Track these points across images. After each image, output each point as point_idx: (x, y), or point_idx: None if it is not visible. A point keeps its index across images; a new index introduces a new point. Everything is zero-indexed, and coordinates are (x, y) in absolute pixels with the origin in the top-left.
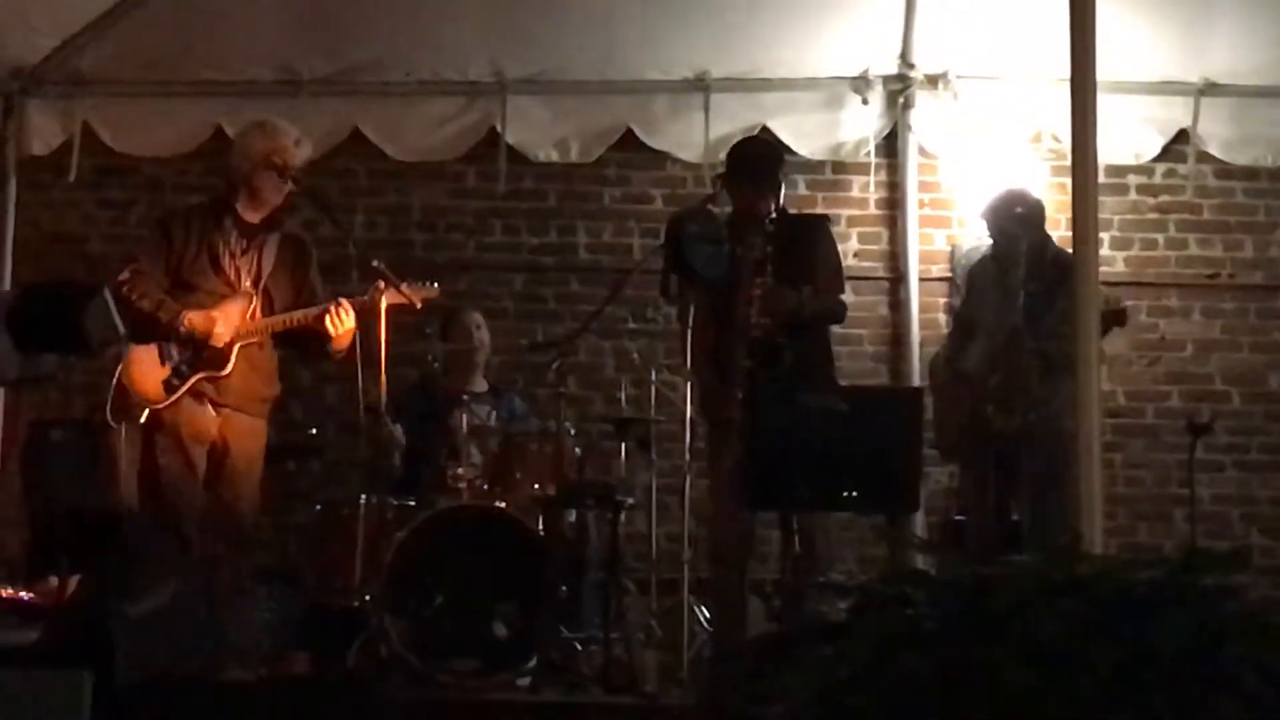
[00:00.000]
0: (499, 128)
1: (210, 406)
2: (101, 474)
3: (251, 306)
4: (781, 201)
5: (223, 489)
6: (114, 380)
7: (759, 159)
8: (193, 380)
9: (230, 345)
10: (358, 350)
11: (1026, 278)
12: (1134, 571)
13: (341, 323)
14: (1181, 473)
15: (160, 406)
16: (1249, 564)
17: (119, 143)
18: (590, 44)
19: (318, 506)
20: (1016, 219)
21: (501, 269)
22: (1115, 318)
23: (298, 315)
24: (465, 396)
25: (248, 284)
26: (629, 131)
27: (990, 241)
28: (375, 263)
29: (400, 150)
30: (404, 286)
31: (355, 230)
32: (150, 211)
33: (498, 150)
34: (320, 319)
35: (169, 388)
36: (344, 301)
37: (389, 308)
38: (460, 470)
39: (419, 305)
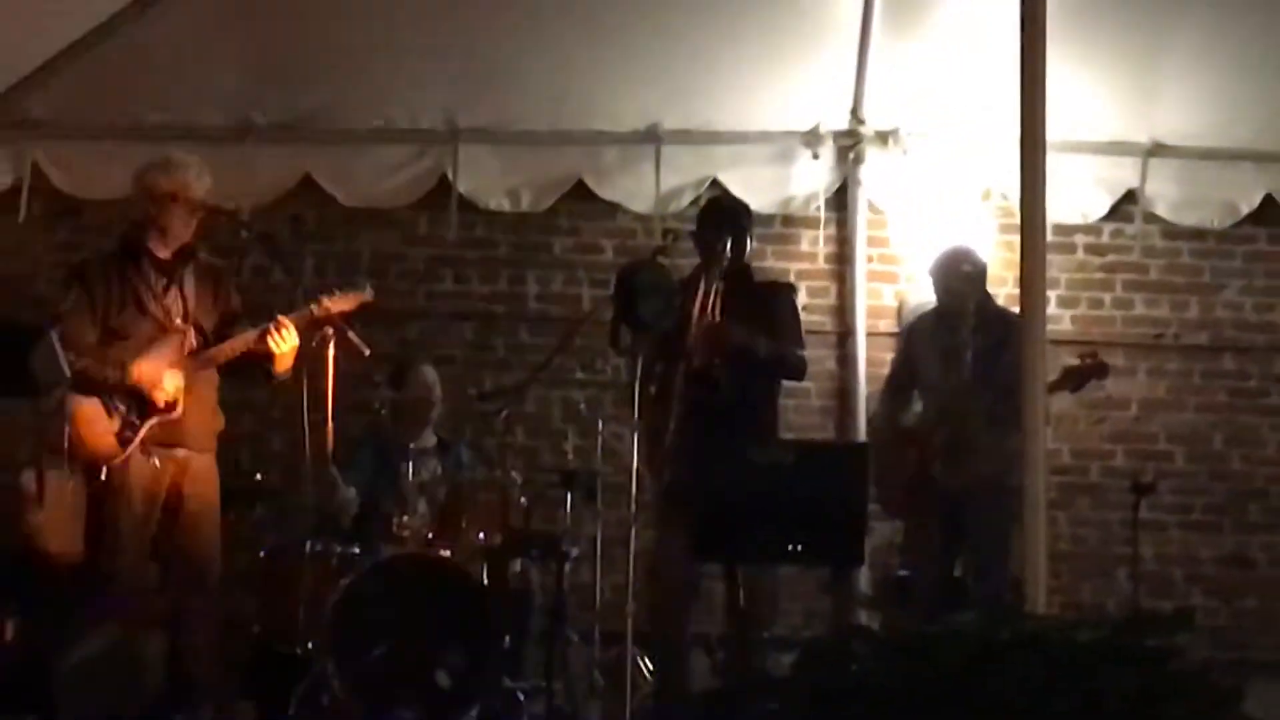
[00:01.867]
0: (450, 176)
1: (157, 457)
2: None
3: (186, 342)
4: (747, 257)
5: (181, 536)
6: (65, 437)
7: (727, 211)
8: (145, 428)
9: (174, 390)
10: (304, 396)
11: (974, 333)
12: (1077, 631)
13: (284, 340)
14: (1125, 532)
15: (117, 461)
16: (1192, 625)
17: (68, 185)
18: (543, 94)
19: (262, 553)
20: (964, 277)
21: (451, 317)
22: (1096, 371)
23: (238, 342)
24: (413, 447)
25: (177, 321)
26: (580, 182)
27: (934, 298)
28: (323, 302)
29: (351, 196)
30: (339, 296)
31: (305, 276)
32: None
33: (449, 198)
34: (261, 340)
35: (123, 440)
36: (283, 319)
37: (337, 354)
38: (406, 519)
39: (368, 352)
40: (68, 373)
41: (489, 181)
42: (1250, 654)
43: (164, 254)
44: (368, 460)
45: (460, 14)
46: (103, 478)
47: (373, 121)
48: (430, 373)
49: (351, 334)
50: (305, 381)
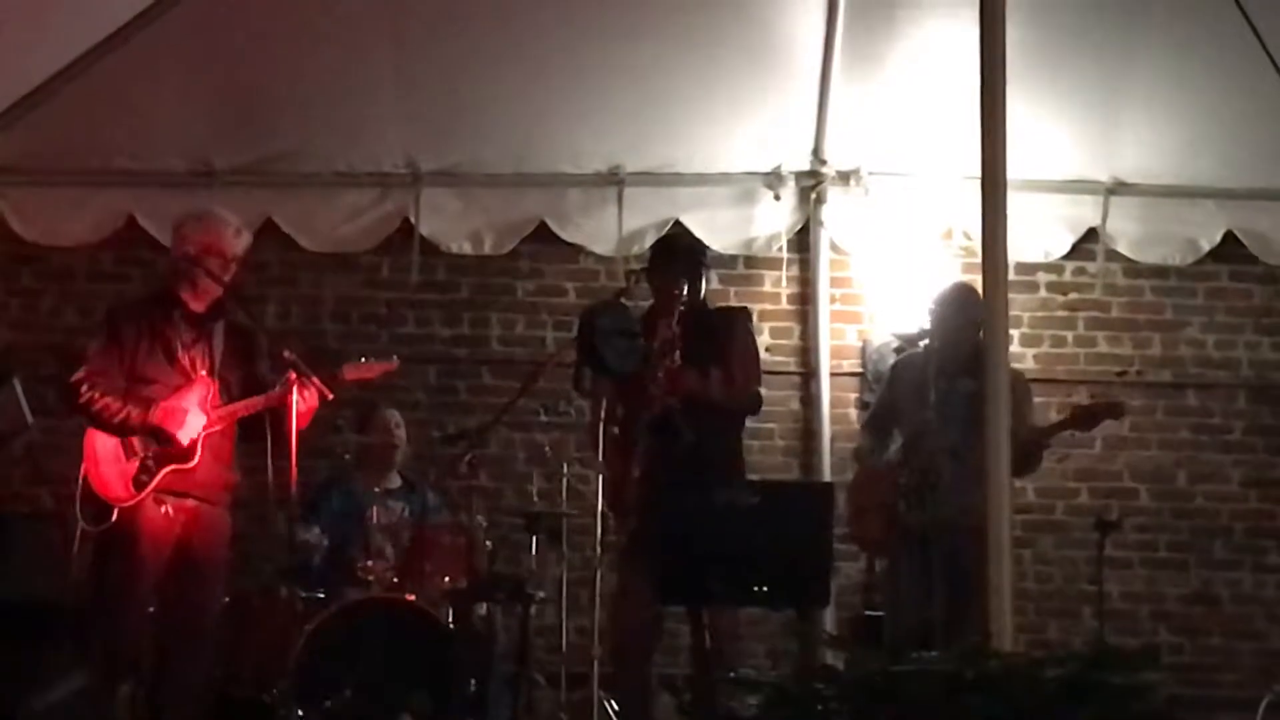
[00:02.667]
0: (413, 219)
1: (169, 507)
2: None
3: (209, 394)
4: (703, 294)
5: (185, 585)
6: (80, 481)
7: (681, 252)
8: (161, 474)
9: (196, 436)
10: (268, 443)
11: (964, 374)
12: (1043, 669)
13: (305, 399)
14: (1090, 569)
15: (130, 505)
16: (1157, 662)
17: (30, 231)
18: (504, 137)
19: (226, 598)
20: (967, 318)
21: (414, 360)
22: (1109, 410)
23: (260, 399)
24: (378, 490)
25: (202, 373)
26: (542, 224)
27: (902, 335)
28: (286, 353)
29: (313, 241)
30: (364, 364)
31: (267, 320)
32: (62, 301)
33: (411, 241)
34: (284, 397)
35: (138, 484)
36: (304, 380)
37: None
38: (371, 563)
39: (330, 397)
40: (30, 420)
41: (451, 224)
42: (1215, 691)
43: (197, 307)
44: (334, 504)
45: (421, 57)
46: (113, 519)
47: (335, 165)
48: (395, 414)
49: (314, 379)
50: (270, 427)
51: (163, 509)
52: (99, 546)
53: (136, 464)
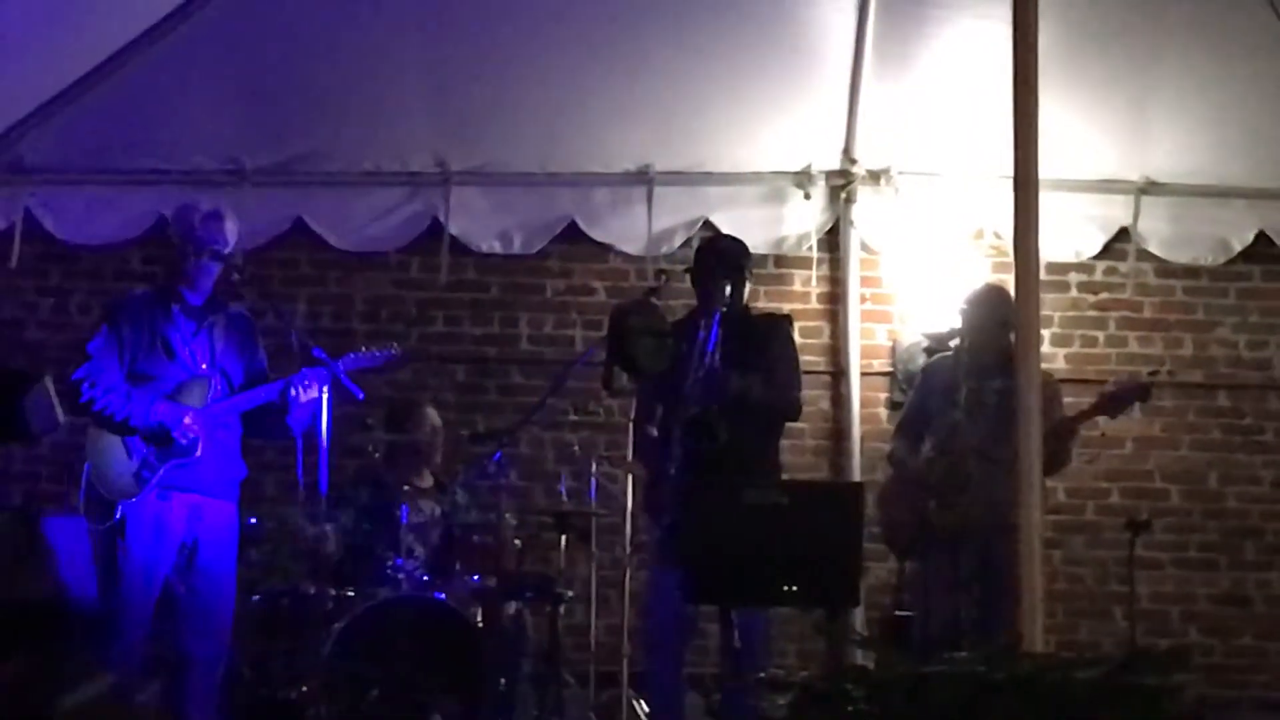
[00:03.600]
0: (442, 219)
1: (174, 502)
2: (39, 563)
3: (210, 388)
4: (745, 298)
5: (195, 581)
6: (84, 479)
7: (724, 254)
8: (164, 470)
9: (196, 433)
10: (299, 440)
11: (994, 375)
12: (1074, 670)
13: (304, 392)
14: (1121, 570)
15: (134, 501)
16: (1188, 663)
17: (61, 231)
18: (534, 136)
19: (255, 597)
20: (999, 319)
21: (443, 360)
22: (1137, 392)
23: (260, 392)
24: (407, 488)
25: (203, 366)
26: (572, 223)
27: (931, 335)
28: (315, 352)
29: (343, 240)
30: (364, 354)
31: (297, 320)
32: (91, 299)
33: (440, 241)
34: (285, 392)
35: (140, 481)
36: (307, 373)
37: (331, 398)
38: (400, 562)
39: (361, 397)
40: (60, 419)
41: (480, 224)
42: (1246, 692)
43: (195, 300)
44: (362, 502)
45: (451, 58)
46: (117, 517)
47: (364, 165)
48: (433, 414)
49: (344, 377)
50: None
51: (169, 504)
52: (105, 545)
53: (139, 460)
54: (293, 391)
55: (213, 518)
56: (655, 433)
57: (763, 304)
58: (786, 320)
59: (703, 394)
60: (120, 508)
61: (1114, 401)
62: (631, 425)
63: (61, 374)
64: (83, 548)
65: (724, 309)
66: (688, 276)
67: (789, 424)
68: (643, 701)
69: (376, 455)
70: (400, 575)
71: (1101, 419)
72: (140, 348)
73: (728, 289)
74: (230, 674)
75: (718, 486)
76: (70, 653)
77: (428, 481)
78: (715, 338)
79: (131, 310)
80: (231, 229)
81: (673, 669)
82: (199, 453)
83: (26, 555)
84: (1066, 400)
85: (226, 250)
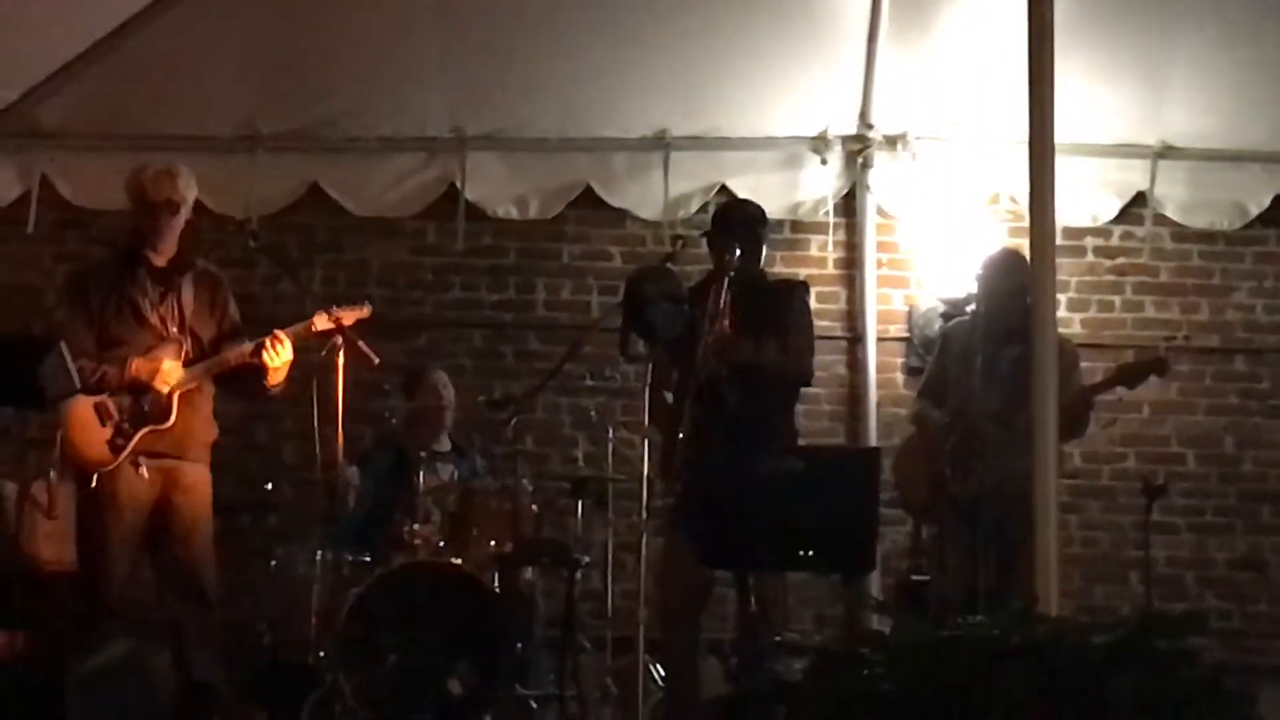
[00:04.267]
0: (458, 184)
1: (146, 468)
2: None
3: (182, 351)
4: (761, 263)
5: (175, 547)
6: (58, 445)
7: (740, 219)
8: (138, 436)
9: (171, 395)
10: (314, 405)
11: (1011, 340)
12: (1090, 635)
13: (277, 354)
14: (1137, 534)
15: (110, 468)
16: (1204, 627)
17: (77, 196)
18: (550, 102)
19: (273, 562)
20: (1014, 284)
21: (460, 325)
22: (1155, 366)
23: (233, 354)
24: (424, 454)
25: (174, 330)
26: (588, 189)
27: (947, 301)
28: (331, 313)
29: (359, 206)
30: (337, 311)
31: (313, 286)
32: None
33: (457, 207)
34: (256, 353)
35: (114, 448)
36: (279, 333)
37: (347, 363)
38: (417, 527)
39: (377, 361)
40: (77, 385)
41: (497, 189)
42: (1263, 658)
43: (160, 262)
44: (385, 466)
45: (467, 22)
46: (93, 485)
47: (380, 130)
48: (443, 375)
49: (361, 343)
50: (316, 391)
51: (140, 471)
52: (80, 511)
53: (112, 428)
54: (265, 353)
55: (187, 481)
56: (670, 398)
57: (779, 269)
58: (802, 286)
59: (714, 360)
60: (95, 477)
61: (1131, 374)
62: (648, 391)
63: None
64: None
65: (732, 274)
66: (704, 241)
67: (805, 390)
68: (659, 666)
69: (393, 421)
70: (416, 541)
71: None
72: (107, 314)
73: (742, 251)
74: (249, 639)
75: (733, 452)
76: (84, 619)
77: (445, 446)
78: (729, 303)
79: (96, 277)
80: (185, 185)
81: (689, 635)
82: (173, 419)
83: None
84: (1083, 365)
85: (182, 206)
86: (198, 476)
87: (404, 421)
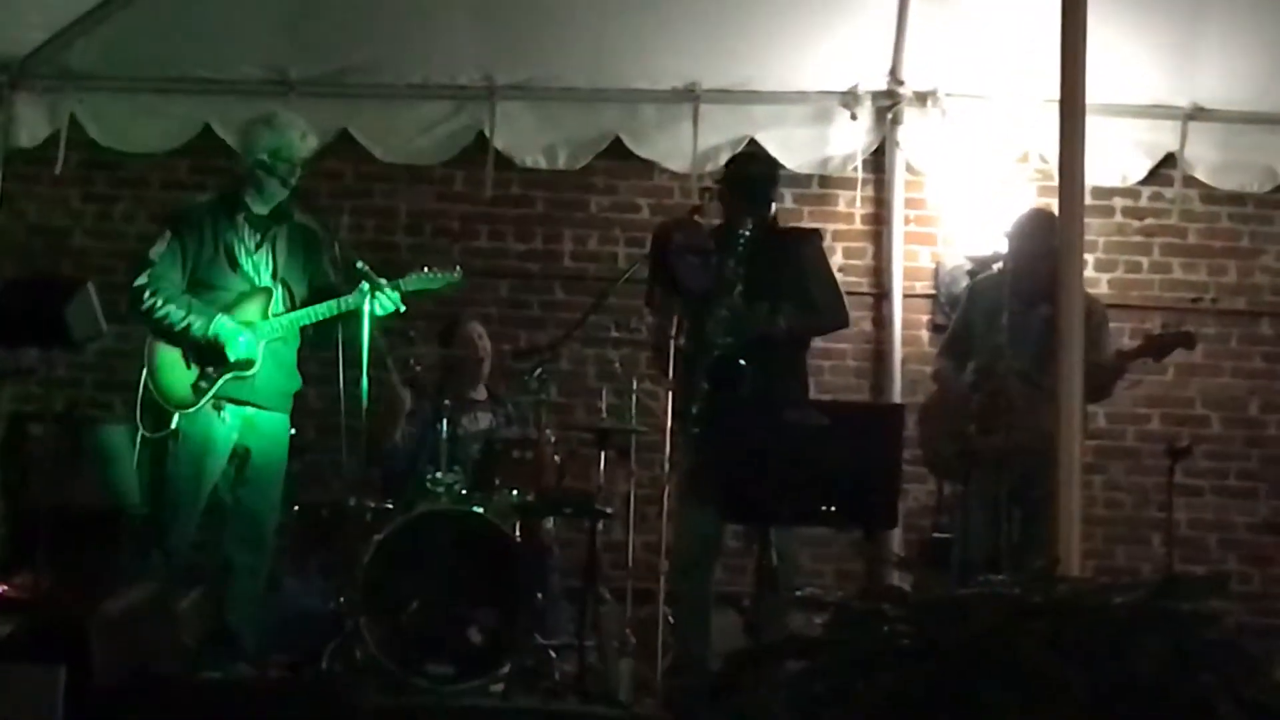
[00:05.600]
0: (487, 133)
1: (226, 414)
2: (83, 470)
3: (271, 302)
4: (772, 214)
5: (245, 492)
6: (140, 387)
7: (753, 173)
8: (221, 381)
9: (255, 347)
10: (339, 352)
11: (1039, 299)
12: (1111, 595)
13: (378, 308)
14: (1160, 496)
15: (190, 410)
16: (1226, 590)
17: (106, 138)
18: (581, 52)
19: (295, 508)
20: (1044, 245)
21: (487, 274)
22: (1182, 340)
23: (322, 308)
24: (462, 402)
25: (266, 279)
26: (617, 140)
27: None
28: (359, 264)
29: (388, 153)
30: (428, 275)
31: (341, 231)
32: (136, 207)
33: (485, 155)
34: (348, 310)
35: (198, 390)
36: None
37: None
38: (440, 475)
39: (403, 309)
40: (104, 326)
41: (526, 139)
42: None
43: (260, 210)
44: (428, 408)
45: None
46: (173, 425)
47: (411, 78)
48: (478, 325)
49: (388, 291)
50: (341, 338)
51: (222, 415)
52: (156, 453)
53: (197, 371)
54: (366, 308)
55: (265, 429)
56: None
57: (807, 223)
58: (815, 234)
59: (728, 331)
60: (176, 417)
61: (1158, 346)
62: (670, 343)
63: (107, 281)
64: (129, 455)
65: (748, 231)
66: (717, 196)
67: (829, 344)
68: (670, 616)
69: (419, 369)
70: (440, 489)
71: None
72: (203, 257)
73: (755, 205)
74: (271, 584)
75: (755, 406)
76: (114, 559)
77: (481, 395)
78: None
79: (195, 218)
80: (300, 140)
81: (701, 587)
82: (255, 368)
83: (70, 462)
84: (1110, 326)
85: (297, 159)
86: (276, 425)
87: (439, 370)
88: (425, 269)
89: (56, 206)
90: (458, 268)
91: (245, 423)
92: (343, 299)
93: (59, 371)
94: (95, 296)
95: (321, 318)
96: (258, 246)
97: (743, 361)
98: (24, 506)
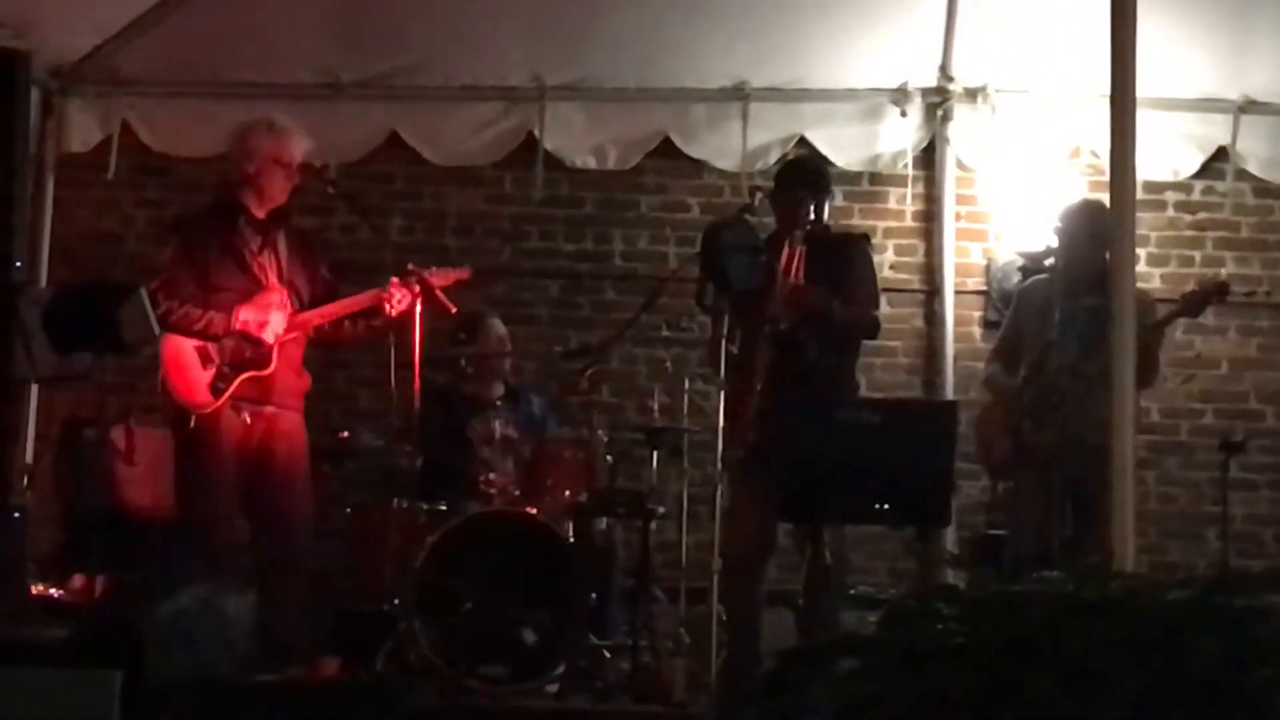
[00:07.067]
0: (537, 134)
1: (247, 413)
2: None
3: (284, 300)
4: (825, 218)
5: (273, 495)
6: (158, 387)
7: (805, 174)
8: (238, 381)
9: (274, 343)
10: (391, 353)
11: (1089, 291)
12: (1165, 591)
13: (397, 304)
14: (1214, 491)
15: (207, 411)
16: None
17: (157, 142)
18: (629, 51)
19: (348, 510)
20: (1095, 236)
21: (537, 275)
22: (1215, 290)
23: (348, 303)
24: (482, 400)
25: (274, 279)
26: (667, 139)
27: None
28: (410, 266)
29: (438, 155)
30: (436, 273)
31: (392, 234)
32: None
33: (535, 156)
34: (375, 303)
35: (215, 391)
36: (396, 281)
37: (424, 312)
38: (493, 476)
39: (454, 310)
40: (157, 331)
41: (575, 139)
42: None
43: (260, 214)
44: (434, 417)
45: None
46: (191, 425)
47: (460, 79)
48: (499, 325)
49: (439, 292)
50: (393, 340)
51: (242, 416)
52: (178, 454)
53: (214, 371)
54: (387, 307)
55: (286, 429)
56: (736, 350)
57: (857, 221)
58: (864, 239)
59: (788, 309)
60: (194, 418)
61: (1193, 302)
62: (722, 342)
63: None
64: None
65: (803, 229)
66: (770, 198)
67: (882, 342)
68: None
69: (470, 370)
70: (492, 490)
71: (1197, 340)
72: (210, 259)
73: (808, 207)
74: (325, 586)
75: (808, 403)
76: (163, 563)
77: (499, 391)
78: (799, 254)
79: (200, 221)
80: (300, 144)
81: (751, 585)
82: (272, 367)
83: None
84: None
85: (293, 162)
86: (294, 423)
87: (459, 368)
88: (434, 267)
89: (109, 211)
90: (465, 264)
91: (266, 423)
92: (366, 294)
93: (111, 376)
94: (148, 301)
95: (343, 312)
96: (260, 248)
97: (805, 336)
98: (77, 510)
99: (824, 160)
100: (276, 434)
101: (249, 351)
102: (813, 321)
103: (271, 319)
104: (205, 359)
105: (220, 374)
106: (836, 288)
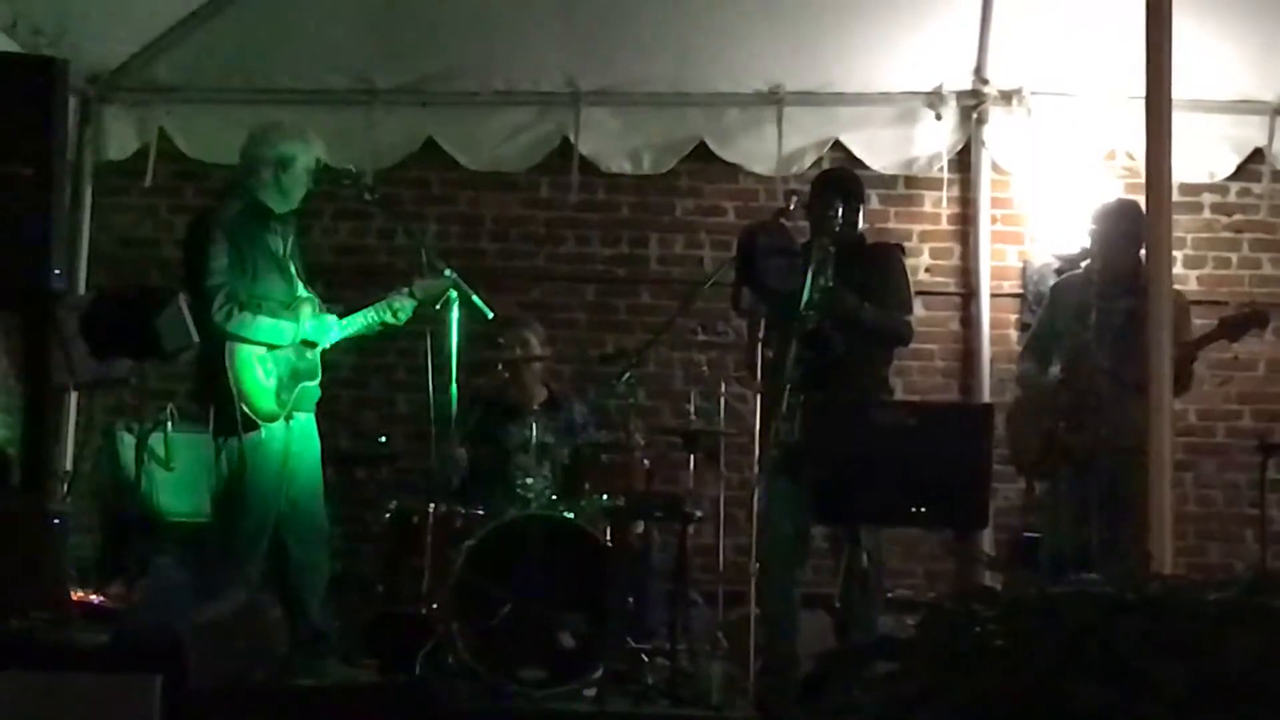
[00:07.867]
0: (572, 138)
1: (294, 422)
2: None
3: (316, 305)
4: (859, 228)
5: (292, 493)
6: (224, 396)
7: (840, 184)
8: (296, 391)
9: (329, 346)
10: (429, 357)
11: (1124, 292)
12: (1203, 592)
13: (397, 317)
14: (1252, 493)
15: (274, 422)
16: None
17: (194, 149)
18: (664, 56)
19: (387, 514)
20: (1129, 235)
21: (573, 280)
22: (1255, 319)
23: (371, 312)
24: (521, 406)
25: (302, 286)
26: (701, 143)
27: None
28: (447, 271)
29: (473, 160)
30: (421, 284)
31: (427, 239)
32: None
33: (570, 161)
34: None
35: (280, 402)
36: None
37: (462, 317)
38: (530, 480)
39: (491, 315)
40: (195, 337)
41: (610, 144)
42: None
43: (283, 210)
44: (474, 422)
45: None
46: (260, 435)
47: (495, 84)
48: (539, 330)
49: (475, 297)
50: (430, 344)
51: (289, 424)
52: (243, 462)
53: (275, 381)
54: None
55: (304, 429)
56: (770, 355)
57: (893, 225)
58: (898, 249)
59: (819, 310)
60: (263, 428)
61: (1232, 327)
62: (760, 346)
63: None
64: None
65: (836, 238)
66: (804, 208)
67: (918, 345)
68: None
69: (507, 375)
70: (530, 494)
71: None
72: (248, 267)
73: (841, 215)
74: (363, 590)
75: (845, 406)
76: (201, 569)
77: (543, 396)
78: (829, 260)
79: (236, 227)
80: (311, 146)
81: (785, 587)
82: (320, 377)
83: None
84: (1197, 323)
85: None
86: (309, 425)
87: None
88: (415, 280)
89: (146, 218)
90: (449, 270)
91: (290, 426)
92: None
93: (150, 382)
94: (186, 307)
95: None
96: (285, 252)
97: (832, 332)
98: (117, 515)
99: (854, 173)
100: (296, 437)
101: (301, 361)
102: (843, 324)
103: (328, 329)
104: (265, 369)
105: (281, 383)
106: (869, 295)
